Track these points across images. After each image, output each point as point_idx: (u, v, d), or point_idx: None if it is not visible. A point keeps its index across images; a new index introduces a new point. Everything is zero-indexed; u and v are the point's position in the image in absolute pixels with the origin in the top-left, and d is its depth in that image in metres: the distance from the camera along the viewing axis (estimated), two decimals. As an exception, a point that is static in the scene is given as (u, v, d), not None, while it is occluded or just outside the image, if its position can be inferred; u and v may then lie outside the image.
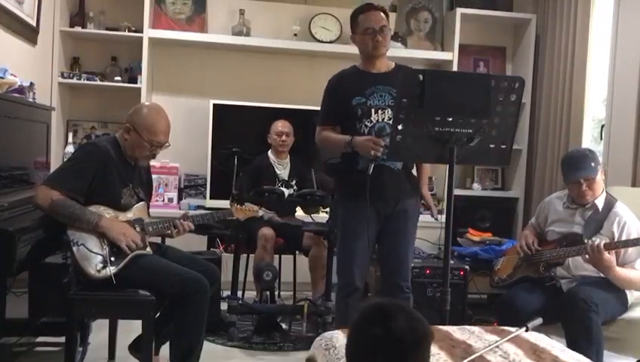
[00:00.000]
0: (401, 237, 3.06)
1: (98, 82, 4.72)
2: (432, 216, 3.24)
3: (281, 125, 4.39)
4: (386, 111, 2.99)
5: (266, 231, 3.99)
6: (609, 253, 2.86)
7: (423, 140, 2.54)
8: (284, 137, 4.36)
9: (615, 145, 4.07)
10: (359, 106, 3.00)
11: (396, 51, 4.95)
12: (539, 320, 2.40)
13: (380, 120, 2.99)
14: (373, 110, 2.99)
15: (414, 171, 3.22)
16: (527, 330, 2.34)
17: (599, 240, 2.89)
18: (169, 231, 2.94)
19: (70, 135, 4.72)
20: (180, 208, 4.79)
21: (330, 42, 5.01)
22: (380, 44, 3.01)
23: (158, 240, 3.21)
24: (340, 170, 3.15)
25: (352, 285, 3.01)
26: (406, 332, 1.36)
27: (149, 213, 3.00)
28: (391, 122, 2.94)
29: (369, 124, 2.99)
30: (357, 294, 3.02)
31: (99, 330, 3.40)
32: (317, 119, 3.17)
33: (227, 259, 4.11)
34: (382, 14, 3.05)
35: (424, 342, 1.40)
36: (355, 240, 2.99)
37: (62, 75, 4.62)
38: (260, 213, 3.32)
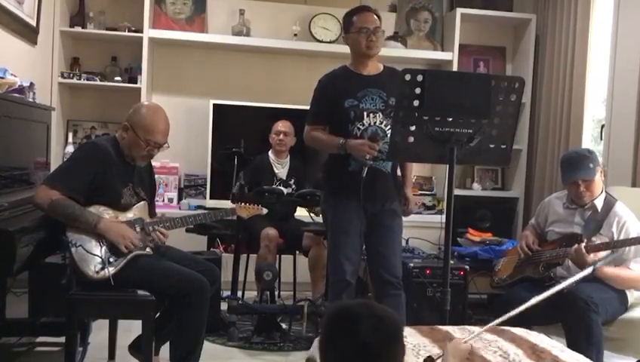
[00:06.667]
0: (388, 235, 3.08)
1: (98, 82, 4.72)
2: (406, 213, 3.24)
3: (281, 125, 4.39)
4: (377, 114, 3.04)
5: (270, 232, 3.99)
6: (594, 255, 2.91)
7: (423, 140, 2.54)
8: (282, 136, 4.36)
9: (615, 145, 4.07)
10: (352, 109, 3.03)
11: (396, 51, 4.96)
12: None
13: (372, 123, 3.03)
14: (365, 113, 3.03)
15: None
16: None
17: (583, 244, 2.93)
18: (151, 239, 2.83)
19: (70, 135, 4.73)
20: (180, 208, 4.80)
21: (330, 42, 5.01)
22: (373, 44, 3.06)
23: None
24: (329, 169, 3.17)
25: (344, 281, 3.01)
26: (373, 336, 1.38)
27: (152, 214, 3.00)
28: (383, 126, 3.01)
29: (361, 127, 3.02)
30: (350, 290, 3.02)
31: (99, 330, 3.40)
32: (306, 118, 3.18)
33: (227, 259, 4.12)
34: (375, 16, 3.10)
35: (393, 340, 1.41)
36: (346, 236, 3.02)
37: (62, 75, 4.61)
38: (264, 211, 3.32)
